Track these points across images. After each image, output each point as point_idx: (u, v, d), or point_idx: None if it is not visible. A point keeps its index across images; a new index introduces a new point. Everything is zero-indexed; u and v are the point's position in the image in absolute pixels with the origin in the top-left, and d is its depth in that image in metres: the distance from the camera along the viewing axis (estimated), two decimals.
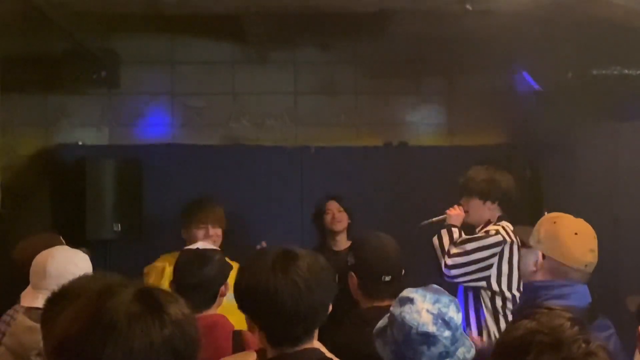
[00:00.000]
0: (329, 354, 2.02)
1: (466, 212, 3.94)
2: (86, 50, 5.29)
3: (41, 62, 5.58)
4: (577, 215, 2.60)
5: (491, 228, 3.80)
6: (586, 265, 2.47)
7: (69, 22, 4.68)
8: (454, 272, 3.69)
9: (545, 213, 2.72)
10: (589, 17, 4.42)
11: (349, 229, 4.61)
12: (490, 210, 3.91)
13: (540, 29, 4.74)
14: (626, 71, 5.00)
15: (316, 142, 5.68)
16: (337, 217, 4.61)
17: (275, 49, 5.92)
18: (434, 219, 4.02)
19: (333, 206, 4.65)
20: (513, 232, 3.72)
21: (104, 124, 5.88)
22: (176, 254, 3.09)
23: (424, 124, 6.01)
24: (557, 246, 2.48)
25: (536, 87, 5.42)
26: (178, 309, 1.29)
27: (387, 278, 2.79)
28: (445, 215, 3.94)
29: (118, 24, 5.44)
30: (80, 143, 5.65)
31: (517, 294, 3.69)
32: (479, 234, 3.80)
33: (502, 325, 3.66)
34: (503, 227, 3.79)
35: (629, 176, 4.41)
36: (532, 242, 2.57)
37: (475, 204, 3.91)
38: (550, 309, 1.54)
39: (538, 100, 5.54)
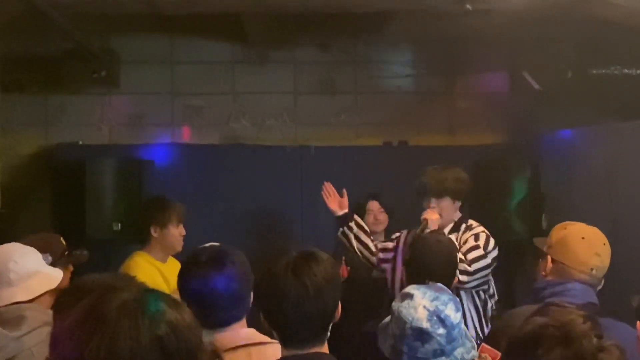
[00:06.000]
0: None
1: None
2: (86, 50, 5.28)
3: (41, 62, 5.58)
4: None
5: (480, 232, 3.74)
6: (592, 269, 2.50)
7: (69, 22, 4.67)
8: (467, 285, 3.62)
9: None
10: (588, 17, 4.41)
11: (388, 228, 4.58)
12: (455, 210, 3.83)
13: (540, 29, 4.73)
14: (626, 71, 5.00)
15: (316, 142, 5.67)
16: (380, 218, 4.57)
17: (275, 49, 5.92)
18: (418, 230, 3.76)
19: (374, 206, 4.59)
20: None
21: (104, 123, 5.88)
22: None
23: (424, 124, 6.01)
24: (564, 250, 2.54)
25: (536, 87, 5.42)
26: (178, 313, 1.26)
27: (432, 284, 2.78)
28: (425, 222, 3.66)
29: (118, 24, 5.44)
30: (80, 143, 5.64)
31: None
32: (479, 247, 3.68)
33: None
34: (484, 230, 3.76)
35: (629, 176, 4.40)
36: (545, 247, 2.62)
37: (447, 204, 3.76)
38: (562, 306, 1.53)
39: (538, 100, 5.53)
